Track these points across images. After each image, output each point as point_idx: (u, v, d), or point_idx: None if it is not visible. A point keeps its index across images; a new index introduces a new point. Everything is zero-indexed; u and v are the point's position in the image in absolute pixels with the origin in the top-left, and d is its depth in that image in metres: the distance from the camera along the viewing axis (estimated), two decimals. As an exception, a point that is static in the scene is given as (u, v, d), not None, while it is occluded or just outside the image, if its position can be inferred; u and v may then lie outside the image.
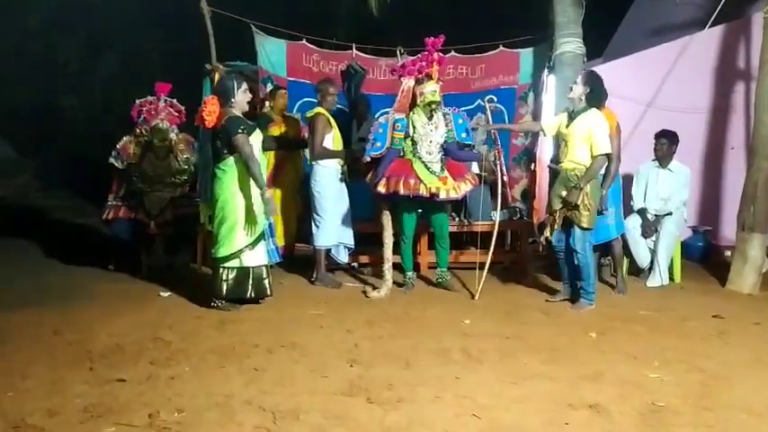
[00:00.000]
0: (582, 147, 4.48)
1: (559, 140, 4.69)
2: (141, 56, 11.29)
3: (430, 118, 4.93)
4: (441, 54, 5.00)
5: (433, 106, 4.90)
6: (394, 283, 5.15)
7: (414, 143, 4.92)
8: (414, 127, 4.92)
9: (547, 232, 4.68)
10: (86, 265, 6.00)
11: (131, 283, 5.47)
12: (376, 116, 6.29)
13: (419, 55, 5.03)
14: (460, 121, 5.15)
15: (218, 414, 2.71)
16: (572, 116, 4.59)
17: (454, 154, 5.06)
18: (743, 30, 6.33)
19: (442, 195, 4.82)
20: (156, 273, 5.63)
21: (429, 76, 4.89)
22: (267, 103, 5.94)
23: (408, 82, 5.00)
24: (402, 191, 4.78)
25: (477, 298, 4.87)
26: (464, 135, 5.12)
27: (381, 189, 4.85)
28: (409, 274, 5.23)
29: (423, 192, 4.77)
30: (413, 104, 4.98)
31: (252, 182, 4.42)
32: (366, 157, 5.07)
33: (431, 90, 4.87)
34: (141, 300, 4.81)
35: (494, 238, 5.07)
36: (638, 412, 2.75)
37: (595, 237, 5.09)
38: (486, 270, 4.96)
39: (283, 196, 5.78)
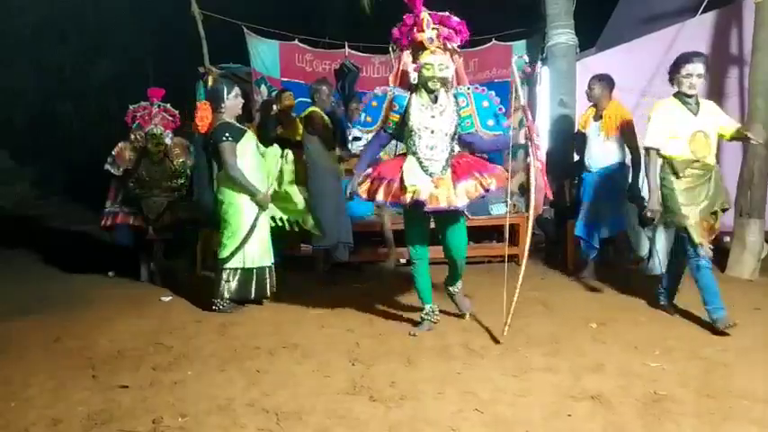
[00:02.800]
0: (716, 138, 3.97)
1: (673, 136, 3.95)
2: (136, 60, 11.28)
3: (435, 101, 3.70)
4: (443, 15, 3.68)
5: (432, 85, 3.65)
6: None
7: (411, 133, 3.71)
8: (409, 111, 3.71)
9: (706, 244, 3.85)
10: (86, 272, 6.00)
11: (131, 288, 5.47)
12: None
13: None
14: (485, 103, 3.80)
15: (221, 417, 2.72)
16: (694, 106, 4.06)
17: (478, 144, 3.87)
18: (734, 15, 6.32)
19: (431, 205, 3.58)
20: (155, 278, 5.63)
21: (422, 45, 3.64)
22: (274, 107, 5.96)
23: (405, 56, 3.80)
24: (380, 197, 3.69)
25: (505, 332, 3.66)
26: (491, 123, 3.80)
27: (363, 193, 3.77)
28: (428, 307, 3.92)
29: (406, 199, 3.61)
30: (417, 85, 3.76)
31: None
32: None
33: (426, 62, 3.62)
34: (142, 305, 4.81)
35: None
36: (640, 402, 2.75)
37: (610, 228, 5.15)
38: (515, 297, 3.66)
39: None
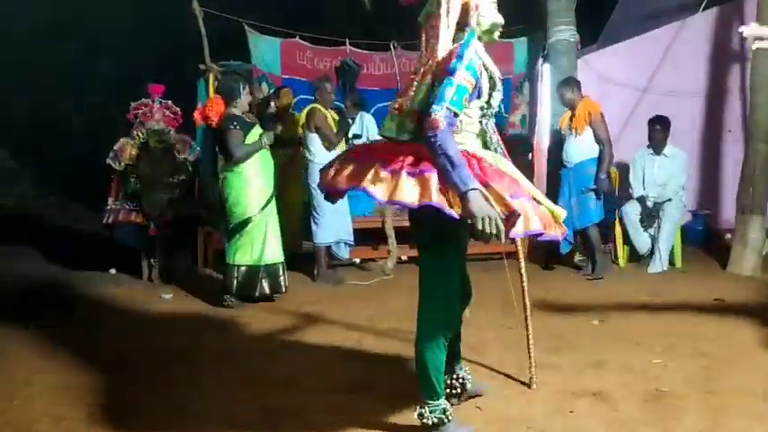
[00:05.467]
0: None
1: None
2: (136, 58, 11.27)
3: None
4: None
5: (496, 36, 2.36)
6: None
7: (489, 104, 2.34)
8: (488, 71, 2.31)
9: None
10: (87, 270, 5.99)
11: (132, 286, 5.47)
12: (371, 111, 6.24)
13: None
14: None
15: (222, 415, 2.72)
16: None
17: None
18: (737, 11, 6.31)
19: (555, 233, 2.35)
20: (156, 275, 5.63)
21: None
22: (272, 103, 5.95)
23: None
24: (536, 225, 2.20)
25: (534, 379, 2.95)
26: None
27: (531, 226, 2.19)
28: (442, 404, 2.37)
29: (556, 233, 2.34)
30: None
31: (260, 184, 4.51)
32: (438, 116, 2.06)
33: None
34: (143, 303, 4.82)
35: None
36: (641, 399, 2.75)
37: (579, 221, 5.30)
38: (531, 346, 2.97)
39: (288, 194, 5.78)
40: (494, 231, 2.03)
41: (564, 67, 6.12)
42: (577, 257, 5.72)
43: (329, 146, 5.24)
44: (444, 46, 2.21)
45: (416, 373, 2.37)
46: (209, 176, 5.82)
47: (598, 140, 5.22)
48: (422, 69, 2.27)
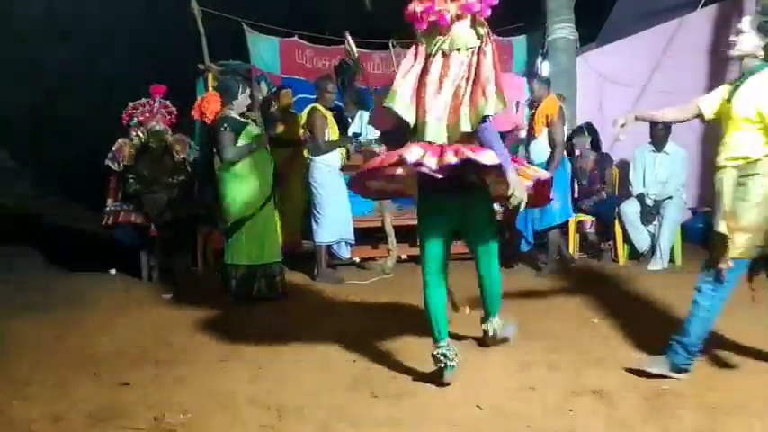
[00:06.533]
0: (746, 132, 2.96)
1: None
2: (136, 58, 11.28)
3: None
4: None
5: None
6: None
7: None
8: None
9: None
10: (87, 271, 6.00)
11: (133, 286, 5.47)
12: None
13: None
14: None
15: (223, 414, 2.72)
16: (737, 83, 3.00)
17: None
18: (736, 8, 6.31)
19: None
20: (156, 275, 5.64)
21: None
22: (273, 103, 5.95)
23: None
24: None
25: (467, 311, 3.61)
26: None
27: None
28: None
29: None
30: None
31: (258, 184, 4.49)
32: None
33: None
34: (143, 303, 4.82)
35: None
36: (642, 397, 2.75)
37: (540, 222, 5.25)
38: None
39: (289, 193, 5.79)
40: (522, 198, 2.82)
41: (563, 64, 6.13)
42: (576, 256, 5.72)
43: (314, 151, 5.23)
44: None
45: (495, 292, 3.29)
46: (207, 176, 5.82)
47: (551, 142, 5.10)
48: (480, 89, 2.81)
